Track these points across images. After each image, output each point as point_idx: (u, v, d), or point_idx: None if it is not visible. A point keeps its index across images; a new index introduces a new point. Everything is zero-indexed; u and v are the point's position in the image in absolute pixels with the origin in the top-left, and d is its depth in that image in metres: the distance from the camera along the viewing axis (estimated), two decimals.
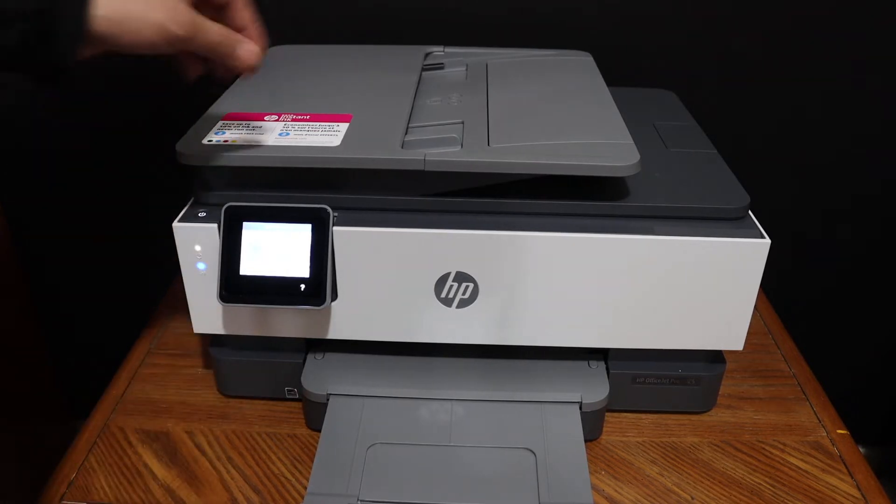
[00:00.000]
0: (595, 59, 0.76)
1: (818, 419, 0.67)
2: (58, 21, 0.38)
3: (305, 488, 0.55)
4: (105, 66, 0.99)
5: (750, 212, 0.59)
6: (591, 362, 0.64)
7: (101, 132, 1.02)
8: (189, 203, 0.60)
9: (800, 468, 0.62)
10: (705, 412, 0.67)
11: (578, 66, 0.74)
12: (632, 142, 0.57)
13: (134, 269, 1.13)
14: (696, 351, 0.62)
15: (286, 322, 0.61)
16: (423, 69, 0.74)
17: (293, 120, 0.60)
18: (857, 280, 1.12)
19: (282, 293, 0.56)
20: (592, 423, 0.62)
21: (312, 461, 0.57)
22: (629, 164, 0.54)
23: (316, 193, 0.57)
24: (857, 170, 1.01)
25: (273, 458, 0.62)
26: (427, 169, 0.55)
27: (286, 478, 0.60)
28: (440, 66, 0.76)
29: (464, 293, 0.58)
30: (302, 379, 0.62)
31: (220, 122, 0.60)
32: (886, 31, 0.91)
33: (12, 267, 1.09)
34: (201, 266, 0.58)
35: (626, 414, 0.66)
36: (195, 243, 0.57)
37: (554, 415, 0.60)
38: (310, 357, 0.64)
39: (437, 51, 0.79)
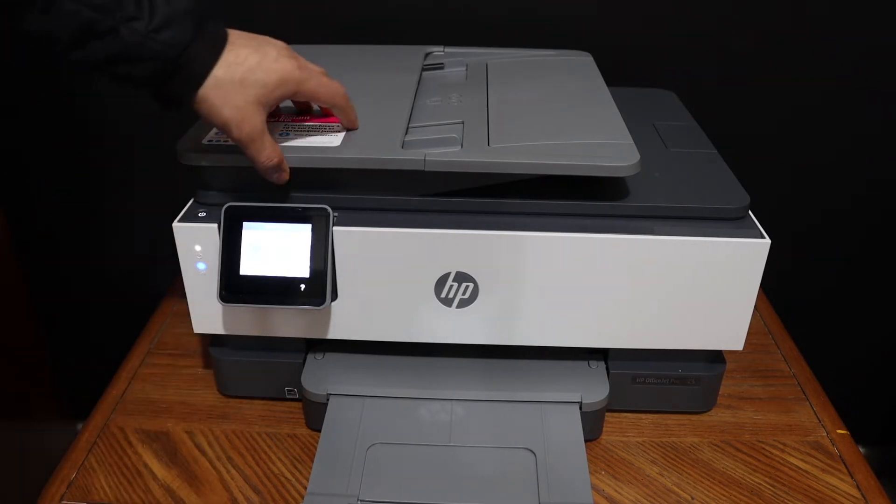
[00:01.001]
0: (595, 59, 0.76)
1: (818, 419, 0.67)
2: (176, 75, 0.50)
3: (305, 488, 0.55)
4: None
5: (750, 212, 0.59)
6: (591, 362, 0.64)
7: (102, 132, 1.02)
8: (189, 203, 0.60)
9: (800, 468, 0.62)
10: (705, 412, 0.67)
11: (579, 66, 0.74)
12: (632, 142, 0.57)
13: (134, 269, 1.13)
14: (696, 351, 0.62)
15: (286, 322, 0.61)
16: (423, 69, 0.74)
17: (293, 120, 0.60)
18: (856, 280, 1.11)
19: (282, 293, 0.56)
20: (592, 423, 0.62)
21: (312, 461, 0.57)
22: (629, 165, 0.54)
23: (316, 194, 0.57)
24: (857, 170, 1.01)
25: (273, 458, 0.62)
26: (427, 169, 0.55)
27: (286, 478, 0.60)
28: (440, 66, 0.76)
29: (464, 293, 0.58)
30: (302, 379, 0.62)
31: None
32: (886, 31, 0.91)
33: (12, 267, 1.09)
34: (201, 266, 0.58)
35: (626, 414, 0.66)
36: (195, 243, 0.57)
37: (554, 415, 0.60)
38: (310, 357, 0.64)
39: (437, 51, 0.79)
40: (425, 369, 0.64)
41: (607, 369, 0.63)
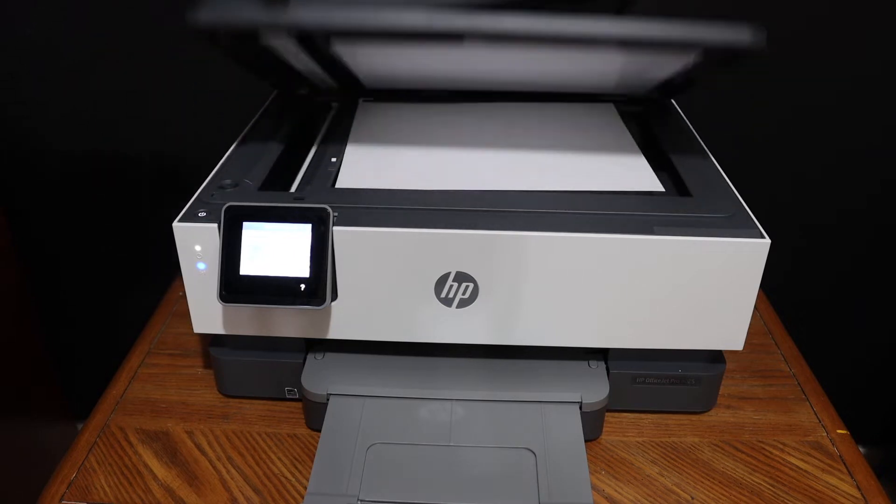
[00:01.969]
0: None
1: (818, 419, 0.67)
2: None
3: (305, 488, 0.55)
4: (105, 66, 0.99)
5: (750, 212, 0.59)
6: (591, 362, 0.64)
7: (102, 132, 1.02)
8: (189, 203, 0.60)
9: (800, 468, 0.62)
10: (705, 412, 0.67)
11: None
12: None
13: (134, 269, 1.13)
14: (695, 351, 0.62)
15: (286, 322, 0.61)
16: None
17: None
18: (856, 280, 1.12)
19: (282, 293, 0.56)
20: (592, 423, 0.62)
21: (312, 461, 0.57)
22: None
23: None
24: (857, 170, 1.01)
25: (273, 458, 0.62)
26: None
27: (286, 478, 0.60)
28: None
29: (464, 293, 0.58)
30: (302, 379, 0.62)
31: None
32: (887, 31, 0.91)
33: (12, 267, 1.09)
34: (201, 266, 0.58)
35: (626, 414, 0.66)
36: (195, 243, 0.57)
37: (554, 415, 0.60)
38: (310, 357, 0.64)
39: None
40: (425, 369, 0.64)
41: (607, 369, 0.63)
